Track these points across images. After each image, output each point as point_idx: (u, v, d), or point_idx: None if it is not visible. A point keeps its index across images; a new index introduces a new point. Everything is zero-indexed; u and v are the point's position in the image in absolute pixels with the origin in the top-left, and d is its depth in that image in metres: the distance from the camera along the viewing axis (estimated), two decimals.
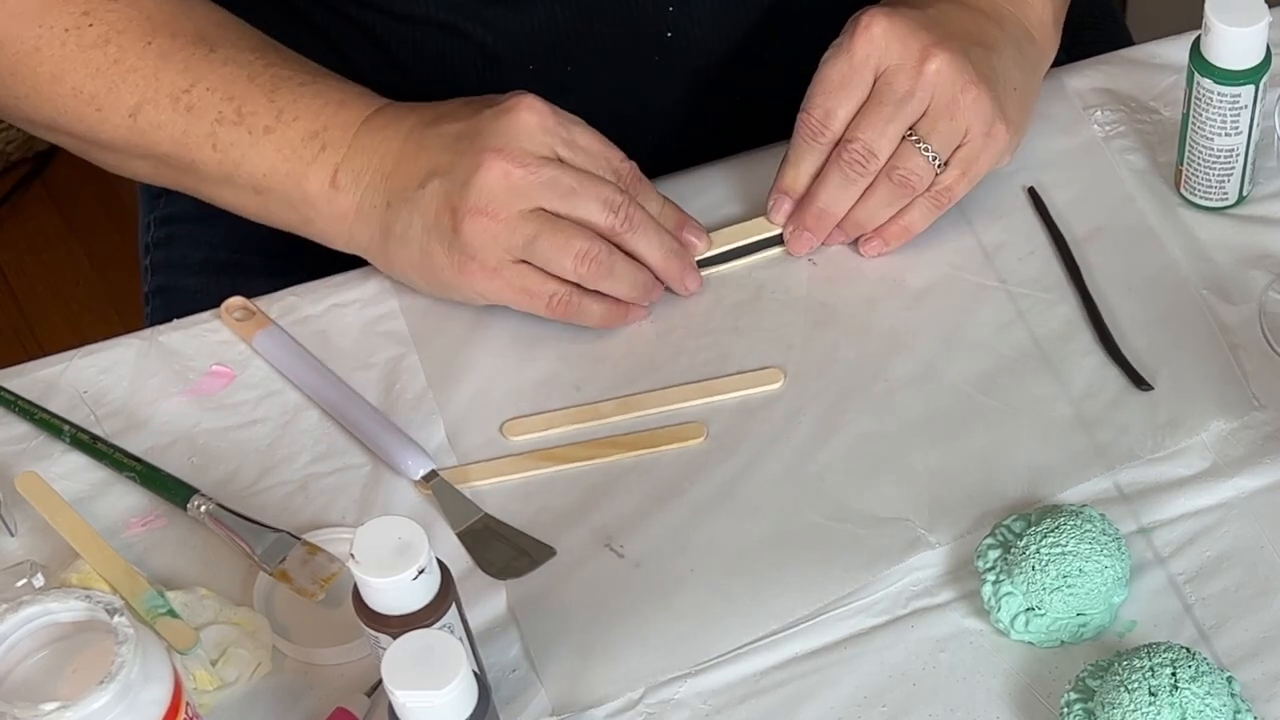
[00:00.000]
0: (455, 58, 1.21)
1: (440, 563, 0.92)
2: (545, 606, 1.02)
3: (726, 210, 1.19)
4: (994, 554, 1.01)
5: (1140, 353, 1.11)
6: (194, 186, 1.14)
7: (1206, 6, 1.09)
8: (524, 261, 1.09)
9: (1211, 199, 1.17)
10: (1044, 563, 0.98)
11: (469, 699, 0.87)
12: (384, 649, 0.89)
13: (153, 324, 1.17)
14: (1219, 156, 1.14)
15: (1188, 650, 0.94)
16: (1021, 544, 0.99)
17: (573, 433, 1.10)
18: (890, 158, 1.11)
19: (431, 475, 1.07)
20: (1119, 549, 1.00)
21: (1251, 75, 1.11)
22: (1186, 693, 0.92)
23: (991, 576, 1.00)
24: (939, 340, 1.12)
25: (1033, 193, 1.18)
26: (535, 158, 1.07)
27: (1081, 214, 1.17)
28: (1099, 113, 1.22)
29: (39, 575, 1.02)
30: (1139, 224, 1.17)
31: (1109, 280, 1.14)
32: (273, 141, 1.10)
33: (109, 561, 1.03)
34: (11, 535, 1.07)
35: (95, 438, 1.10)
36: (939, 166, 1.11)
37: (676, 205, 1.14)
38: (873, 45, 1.10)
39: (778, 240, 1.16)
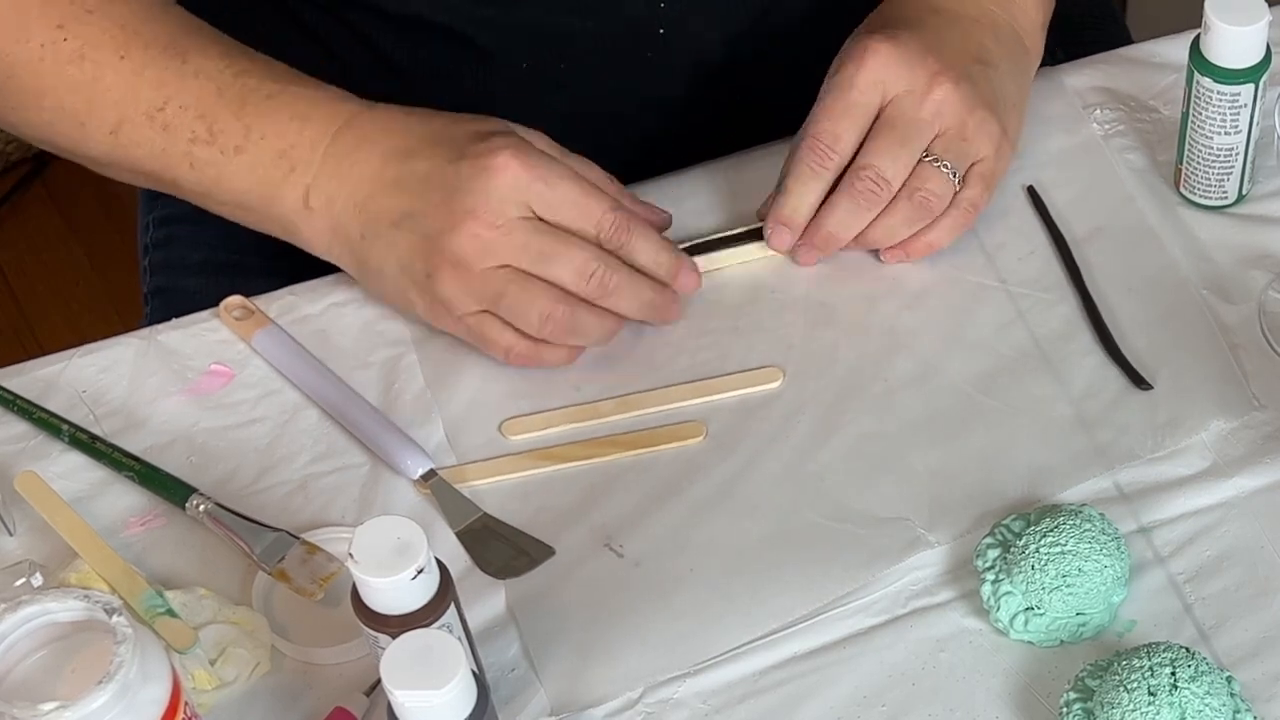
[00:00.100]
0: (448, 57, 1.21)
1: (439, 562, 0.92)
2: (544, 606, 1.02)
3: (721, 211, 1.18)
4: (993, 553, 1.01)
5: (1140, 352, 1.11)
6: (188, 199, 1.14)
7: (1206, 5, 1.09)
8: (489, 312, 1.08)
9: (1211, 198, 1.16)
10: (1043, 562, 0.98)
11: (468, 699, 0.87)
12: (383, 649, 0.89)
13: (152, 325, 1.17)
14: (1219, 155, 1.14)
15: (1187, 650, 0.94)
16: (1021, 543, 0.99)
17: (572, 432, 1.10)
18: (909, 179, 1.11)
19: (430, 475, 1.07)
20: (1118, 549, 1.00)
21: (1251, 74, 1.10)
22: (1186, 692, 0.92)
23: (991, 576, 1.00)
24: (939, 340, 1.12)
25: (1032, 192, 1.18)
26: (509, 219, 1.05)
27: (1081, 213, 1.17)
28: (1099, 112, 1.22)
29: (38, 575, 1.02)
30: (1139, 223, 1.17)
31: (1109, 280, 1.14)
32: (245, 161, 1.09)
33: (108, 561, 1.03)
34: (10, 535, 1.07)
35: (94, 437, 1.10)
36: (958, 183, 1.11)
37: (671, 247, 1.11)
38: (879, 72, 1.09)
39: (754, 235, 1.15)
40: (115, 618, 0.85)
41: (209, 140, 1.09)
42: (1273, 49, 1.11)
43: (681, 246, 1.13)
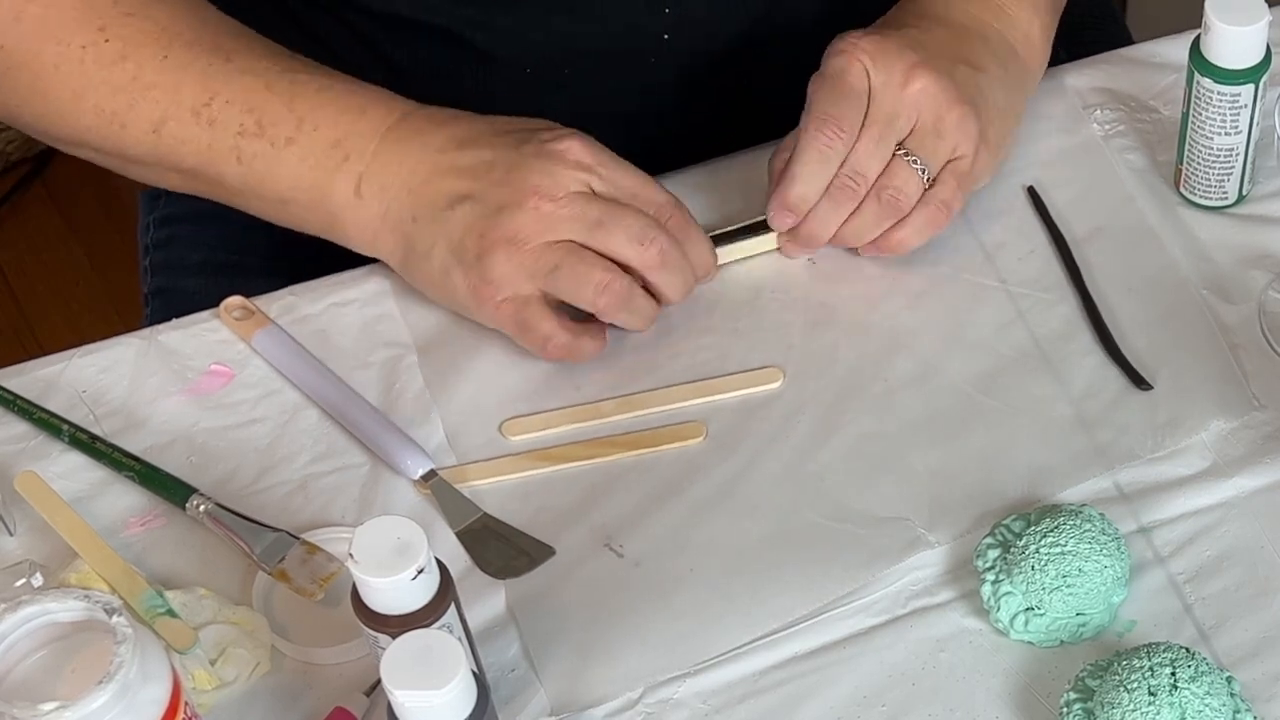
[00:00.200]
0: (450, 61, 1.21)
1: (439, 562, 0.92)
2: (544, 606, 1.02)
3: (725, 209, 1.18)
4: (993, 554, 1.01)
5: (1140, 352, 1.11)
6: (226, 198, 1.14)
7: (1206, 6, 1.09)
8: (540, 297, 1.08)
9: (1211, 198, 1.16)
10: (1043, 562, 0.98)
11: (468, 699, 0.87)
12: (383, 649, 0.89)
13: (152, 325, 1.17)
14: (1219, 156, 1.14)
15: (1187, 650, 0.94)
16: (1021, 544, 0.99)
17: (572, 432, 1.10)
18: (883, 174, 1.10)
19: (430, 475, 1.07)
20: (1119, 549, 1.00)
21: (1251, 74, 1.10)
22: (1186, 692, 0.92)
23: (991, 576, 1.00)
24: (939, 340, 1.12)
25: (1032, 192, 1.18)
26: (569, 193, 1.07)
27: (1081, 213, 1.17)
28: (1099, 112, 1.22)
29: (38, 575, 1.02)
30: (1139, 223, 1.17)
31: (1109, 280, 1.14)
32: (296, 152, 1.10)
33: (108, 561, 1.03)
34: (10, 535, 1.07)
35: (94, 437, 1.10)
36: (927, 181, 1.11)
37: (713, 252, 1.12)
38: (863, 60, 1.09)
39: (761, 227, 1.16)
40: (115, 618, 0.85)
41: (258, 133, 1.10)
42: (1273, 49, 1.11)
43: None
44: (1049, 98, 1.23)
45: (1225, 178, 1.15)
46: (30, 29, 1.10)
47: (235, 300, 1.16)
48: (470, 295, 1.09)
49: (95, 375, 1.13)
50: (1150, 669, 0.92)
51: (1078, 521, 0.99)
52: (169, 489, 1.07)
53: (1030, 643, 0.99)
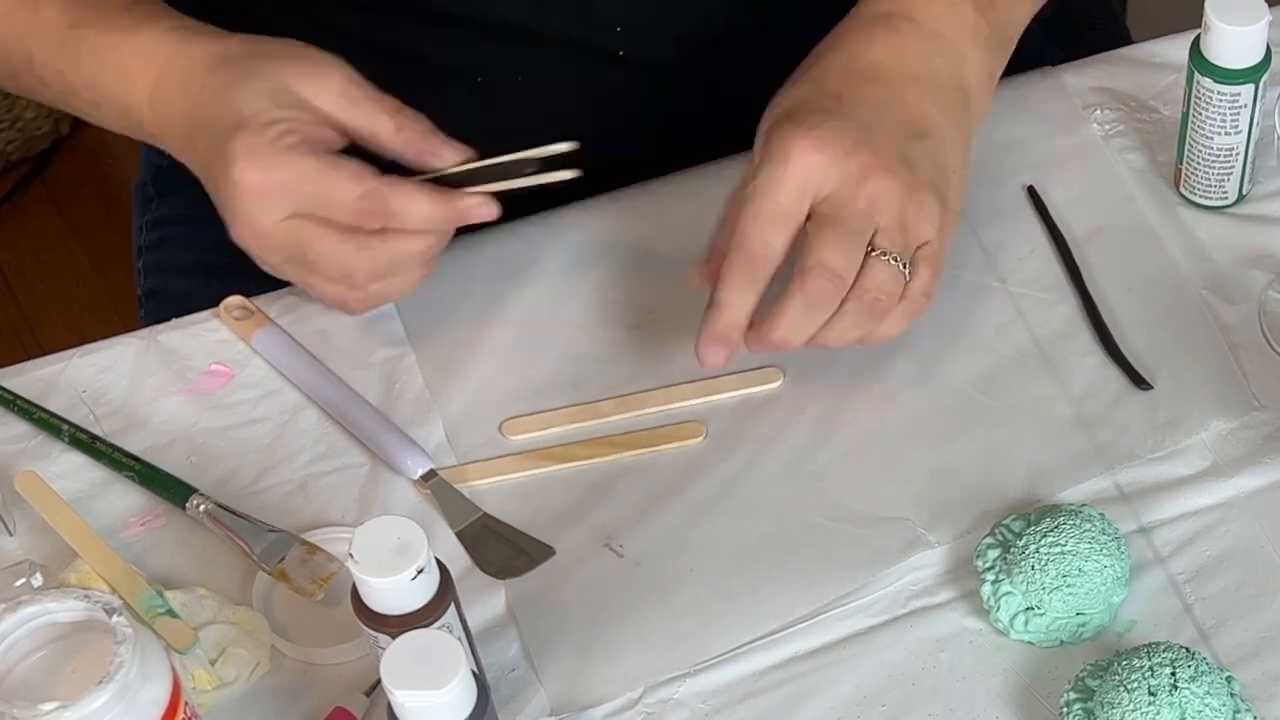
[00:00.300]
0: (401, 72, 1.20)
1: (439, 562, 0.92)
2: (544, 606, 1.02)
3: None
4: (993, 554, 1.01)
5: (1140, 352, 1.11)
6: None
7: (1206, 6, 1.09)
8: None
9: (1211, 198, 1.16)
10: (1043, 562, 0.98)
11: (468, 699, 0.87)
12: (383, 649, 0.89)
13: (147, 327, 1.17)
14: (1219, 155, 1.14)
15: (1187, 650, 0.94)
16: (1021, 544, 0.99)
17: (572, 432, 1.10)
18: (857, 278, 1.03)
19: (430, 475, 1.07)
20: (1119, 549, 1.00)
21: (1251, 74, 1.10)
22: (1186, 692, 0.92)
23: (991, 576, 1.00)
24: (939, 340, 1.12)
25: (1032, 192, 1.18)
26: (269, 224, 1.04)
27: (1081, 213, 1.17)
28: (1099, 112, 1.22)
29: (38, 575, 1.02)
30: (1139, 223, 1.17)
31: (1109, 280, 1.14)
32: (106, 115, 1.11)
33: (108, 561, 1.03)
34: (10, 535, 1.07)
35: (94, 437, 1.10)
36: (906, 273, 1.04)
37: (445, 197, 1.05)
38: (807, 172, 1.02)
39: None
40: (115, 618, 0.85)
41: (74, 94, 1.12)
42: (1273, 49, 1.11)
43: (481, 164, 1.07)
44: (1049, 98, 1.23)
45: (1225, 178, 1.15)
46: None
47: (235, 300, 1.16)
48: None
49: (95, 375, 1.13)
50: (1150, 669, 0.92)
51: (1078, 521, 0.99)
52: (169, 489, 1.07)
53: (1030, 643, 0.99)
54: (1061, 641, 0.99)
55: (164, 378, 1.13)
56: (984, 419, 1.09)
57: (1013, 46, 1.13)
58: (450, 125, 1.09)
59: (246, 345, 1.14)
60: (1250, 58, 1.10)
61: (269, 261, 1.07)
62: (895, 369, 1.11)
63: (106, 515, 1.07)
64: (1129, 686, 0.92)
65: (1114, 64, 1.25)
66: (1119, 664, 0.94)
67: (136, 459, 1.09)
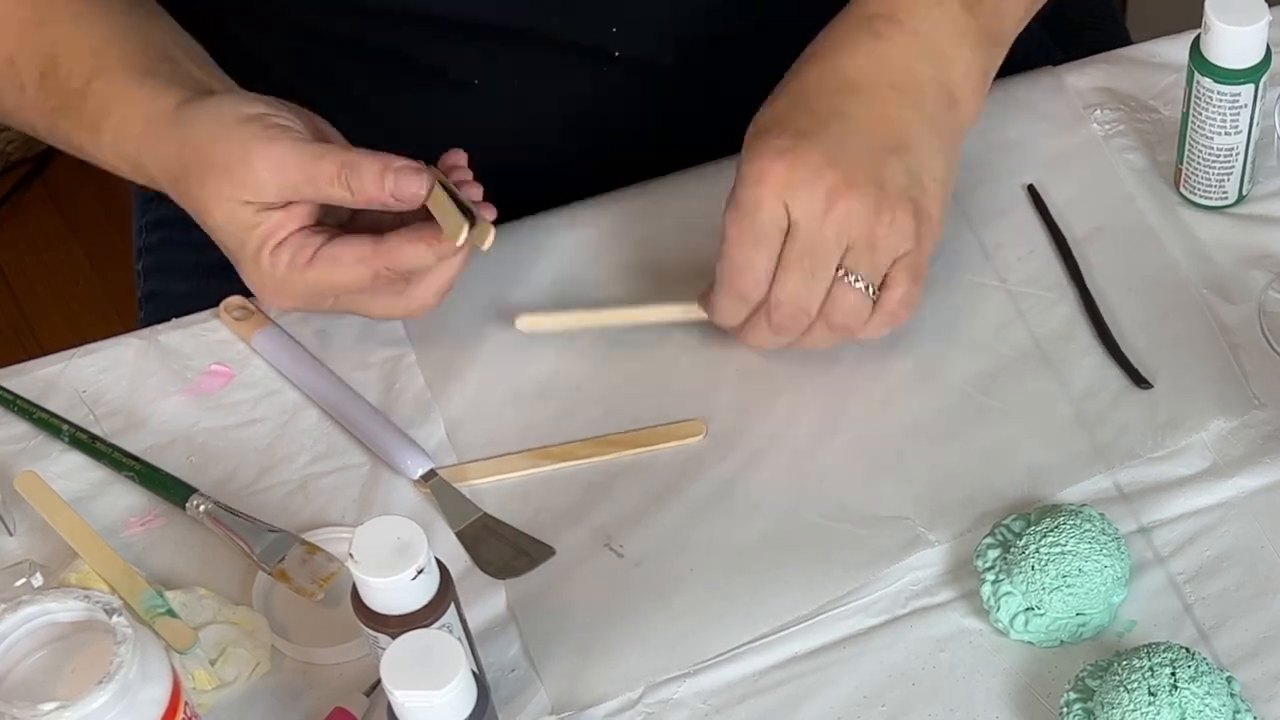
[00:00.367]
0: (398, 78, 1.20)
1: (439, 562, 0.92)
2: (544, 606, 1.02)
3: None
4: (993, 554, 1.01)
5: (1140, 352, 1.11)
6: None
7: (1206, 6, 1.09)
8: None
9: (1211, 198, 1.16)
10: (1043, 562, 0.98)
11: (468, 699, 0.87)
12: (383, 649, 0.89)
13: (147, 327, 1.17)
14: (1219, 155, 1.14)
15: (1187, 650, 0.94)
16: (1021, 544, 0.99)
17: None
18: (824, 304, 1.05)
19: (430, 475, 1.07)
20: (1118, 549, 1.00)
21: (1251, 74, 1.10)
22: (1186, 693, 0.92)
23: (991, 576, 1.00)
24: (939, 340, 1.12)
25: (1032, 190, 1.18)
26: (276, 284, 1.06)
27: (1081, 213, 1.17)
28: (1099, 111, 1.22)
29: (38, 575, 1.02)
30: (1139, 223, 1.17)
31: (1109, 280, 1.14)
32: (122, 169, 1.10)
33: (108, 561, 1.03)
34: (10, 535, 1.07)
35: (94, 437, 1.10)
36: (873, 294, 1.05)
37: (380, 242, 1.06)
38: (779, 192, 1.03)
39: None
40: (115, 618, 0.85)
41: (89, 152, 1.10)
42: (1273, 49, 1.11)
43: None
44: (1049, 98, 1.23)
45: (1225, 178, 1.15)
46: None
47: (235, 300, 1.16)
48: None
49: (95, 375, 1.13)
50: (1150, 669, 0.92)
51: (1078, 521, 0.99)
52: (169, 489, 1.07)
53: (1030, 643, 0.99)
54: (1061, 641, 0.99)
55: (164, 378, 1.13)
56: (984, 419, 1.09)
57: (1008, 43, 1.12)
58: (447, 129, 1.09)
59: (246, 345, 1.14)
60: (1250, 58, 1.10)
61: (280, 304, 1.09)
62: (895, 369, 1.11)
63: (106, 515, 1.07)
64: (1129, 686, 0.92)
65: (1114, 64, 1.25)
66: (1119, 664, 0.94)
67: (136, 459, 1.09)
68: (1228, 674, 0.95)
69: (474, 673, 0.88)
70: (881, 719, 0.98)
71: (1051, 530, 0.99)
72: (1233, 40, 1.09)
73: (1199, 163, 1.15)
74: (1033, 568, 0.98)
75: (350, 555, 0.90)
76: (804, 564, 1.03)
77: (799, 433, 1.08)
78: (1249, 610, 1.00)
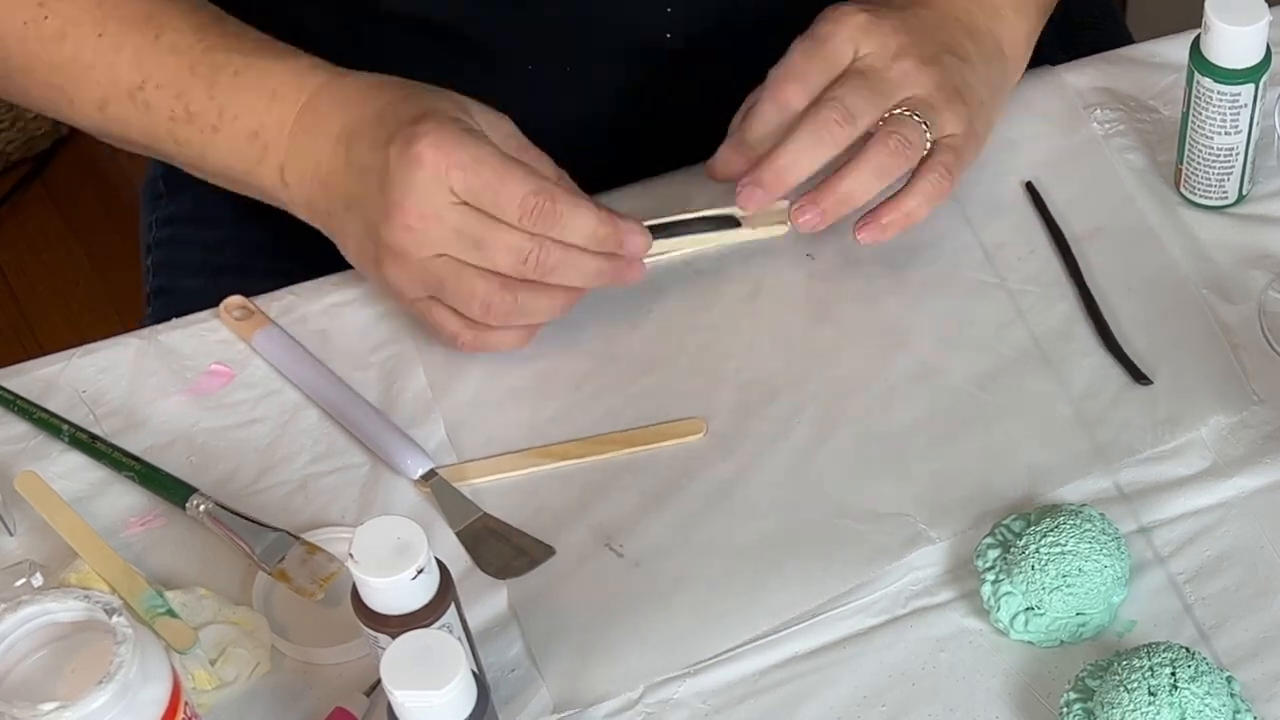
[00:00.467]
0: (450, 60, 1.21)
1: (439, 562, 0.92)
2: (545, 606, 1.02)
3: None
4: (993, 553, 1.01)
5: (1140, 352, 1.11)
6: (180, 166, 1.15)
7: (1206, 5, 1.09)
8: (436, 298, 1.08)
9: (1211, 198, 1.16)
10: (1043, 562, 0.98)
11: (468, 699, 0.87)
12: (383, 649, 0.89)
13: (154, 325, 1.17)
14: (1219, 155, 1.14)
15: (1187, 650, 0.94)
16: (1021, 543, 0.99)
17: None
18: (883, 124, 1.08)
19: (430, 474, 1.07)
20: (1119, 549, 1.00)
21: (1251, 74, 1.10)
22: (1186, 693, 0.92)
23: (991, 576, 1.00)
24: (938, 338, 1.12)
25: (1030, 188, 1.18)
26: (436, 208, 1.04)
27: (1081, 213, 1.17)
28: (1099, 111, 1.22)
29: (38, 575, 1.02)
30: (1139, 223, 1.17)
31: (1109, 279, 1.14)
32: (222, 141, 1.10)
33: (108, 561, 1.03)
34: (10, 535, 1.07)
35: (94, 437, 1.10)
36: (929, 142, 1.09)
37: (611, 216, 1.07)
38: (852, 29, 1.09)
39: (728, 221, 1.14)
40: (115, 618, 0.85)
41: (187, 120, 1.10)
42: (1273, 49, 1.11)
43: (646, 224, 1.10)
44: (1049, 97, 1.23)
45: (1225, 178, 1.15)
46: None
47: (235, 300, 1.16)
48: (384, 292, 1.11)
49: (95, 375, 1.13)
50: (1150, 669, 0.92)
51: (1078, 521, 0.99)
52: (169, 489, 1.07)
53: (1030, 643, 0.99)
54: (1061, 641, 0.99)
55: (164, 378, 1.13)
56: (984, 418, 1.09)
57: (1048, 14, 1.18)
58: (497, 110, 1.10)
59: (247, 345, 1.14)
60: (1250, 58, 1.10)
61: (408, 266, 1.06)
62: (895, 368, 1.11)
63: (106, 515, 1.07)
64: (1129, 686, 0.92)
65: (1114, 64, 1.25)
66: (1119, 664, 0.94)
67: (136, 459, 1.09)
68: (1228, 674, 0.95)
69: (474, 673, 0.88)
70: (881, 719, 0.98)
71: (1051, 530, 0.99)
72: (1233, 40, 1.09)
73: (1199, 163, 1.15)
74: (1033, 568, 0.98)
75: (350, 555, 0.90)
76: (804, 561, 1.03)
77: (799, 432, 1.08)
78: (1249, 610, 1.00)
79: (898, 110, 1.09)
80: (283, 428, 1.11)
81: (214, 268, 1.31)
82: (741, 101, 1.23)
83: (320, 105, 1.09)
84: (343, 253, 1.12)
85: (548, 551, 1.04)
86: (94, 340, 1.15)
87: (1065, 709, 0.95)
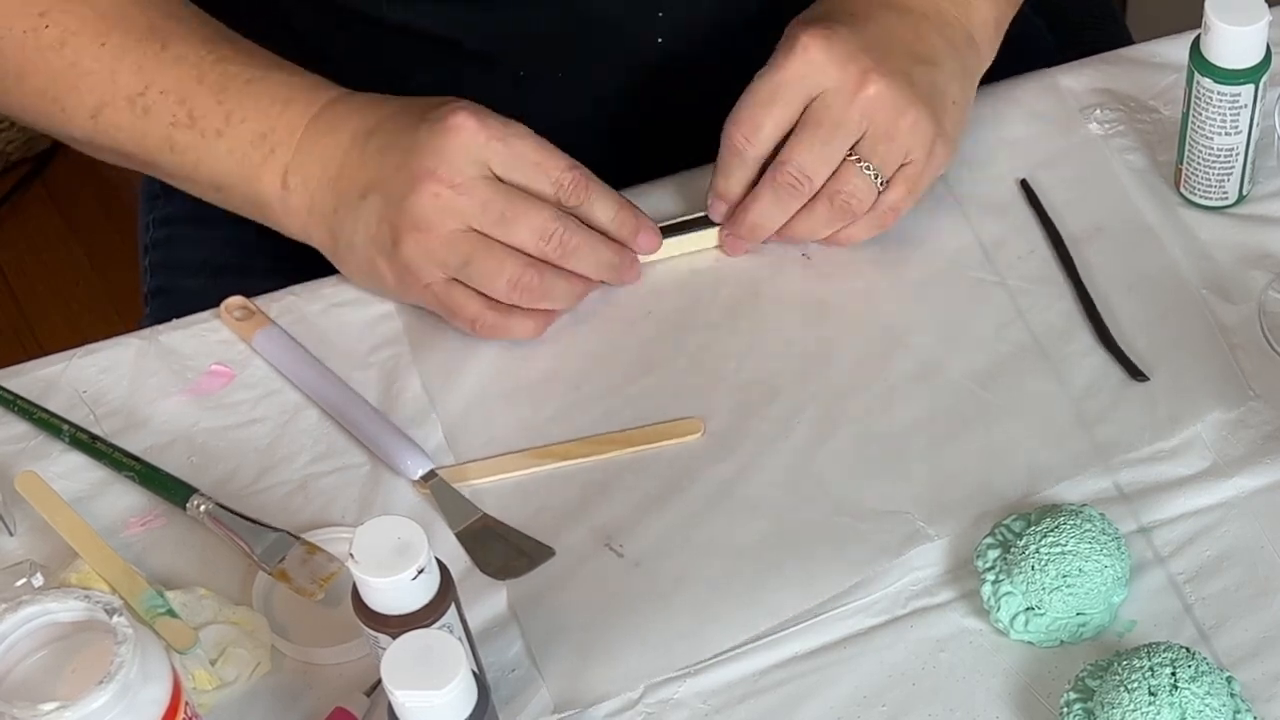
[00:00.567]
0: (446, 64, 1.21)
1: (440, 562, 0.92)
2: (545, 606, 1.02)
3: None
4: (993, 553, 1.01)
5: (1140, 351, 1.11)
6: (164, 179, 1.16)
7: (1206, 6, 1.09)
8: (457, 280, 1.09)
9: (1211, 198, 1.16)
10: (1043, 562, 0.98)
11: (468, 699, 0.87)
12: (383, 649, 0.89)
13: (152, 325, 1.17)
14: (1219, 156, 1.14)
15: (1187, 650, 0.94)
16: (1021, 543, 0.99)
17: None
18: (831, 179, 1.10)
19: (430, 475, 1.07)
20: (1119, 549, 1.00)
21: (1251, 74, 1.10)
22: (1186, 693, 0.92)
23: (991, 576, 1.00)
24: (938, 337, 1.12)
25: (1025, 185, 1.18)
26: (467, 177, 1.06)
27: (1081, 213, 1.17)
28: (1098, 112, 1.22)
29: (38, 575, 1.02)
30: (1138, 223, 1.17)
31: (1108, 279, 1.14)
32: (225, 145, 1.10)
33: (108, 561, 1.03)
34: (11, 535, 1.07)
35: (94, 437, 1.10)
36: (881, 185, 1.11)
37: (632, 208, 1.12)
38: (808, 67, 1.08)
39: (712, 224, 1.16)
40: (115, 618, 0.85)
41: (189, 124, 1.10)
42: (1273, 49, 1.11)
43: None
44: (1046, 97, 1.23)
45: (1225, 178, 1.15)
46: None
47: (236, 300, 1.16)
48: (396, 282, 1.10)
49: (95, 375, 1.13)
50: (1150, 669, 0.92)
51: (1078, 521, 0.99)
52: (169, 489, 1.07)
53: (1030, 643, 0.99)
54: (1061, 641, 0.99)
55: (164, 378, 1.13)
56: (984, 417, 1.09)
57: (1019, 2, 1.18)
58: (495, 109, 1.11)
59: (247, 345, 1.14)
60: (1250, 58, 1.10)
61: (430, 240, 1.07)
62: (895, 367, 1.11)
63: (106, 515, 1.07)
64: (1129, 686, 0.92)
65: (1114, 64, 1.25)
66: (1119, 664, 0.94)
67: (137, 459, 1.09)
68: (1228, 674, 0.95)
69: (474, 673, 0.88)
70: (881, 719, 0.98)
71: (1051, 530, 0.99)
72: (1233, 40, 1.09)
73: (1199, 163, 1.15)
74: (1033, 568, 0.98)
75: (350, 555, 0.90)
76: (804, 560, 1.03)
77: (799, 432, 1.08)
78: (1249, 610, 1.00)
79: (852, 156, 1.10)
80: (283, 428, 1.11)
81: (213, 268, 1.31)
82: (729, 107, 1.23)
83: (334, 112, 1.10)
84: (338, 258, 1.12)
85: (547, 552, 1.04)
86: (94, 340, 1.15)
87: (1065, 709, 0.95)
